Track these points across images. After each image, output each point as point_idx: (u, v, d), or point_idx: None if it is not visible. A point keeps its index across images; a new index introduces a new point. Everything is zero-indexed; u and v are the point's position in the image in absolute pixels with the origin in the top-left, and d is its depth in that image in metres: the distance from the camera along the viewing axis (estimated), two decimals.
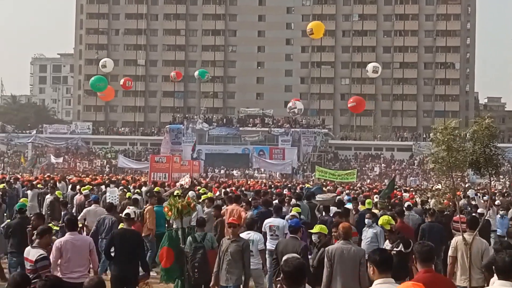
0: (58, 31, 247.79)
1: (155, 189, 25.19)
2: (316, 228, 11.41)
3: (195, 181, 35.34)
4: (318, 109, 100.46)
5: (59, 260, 10.21)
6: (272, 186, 35.52)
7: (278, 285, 9.82)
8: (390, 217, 12.53)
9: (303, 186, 34.65)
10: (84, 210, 16.92)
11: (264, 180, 50.97)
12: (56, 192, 21.51)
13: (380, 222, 12.57)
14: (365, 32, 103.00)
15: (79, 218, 16.45)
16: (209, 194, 20.60)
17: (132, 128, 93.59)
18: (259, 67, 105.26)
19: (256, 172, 73.90)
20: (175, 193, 18.70)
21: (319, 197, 20.85)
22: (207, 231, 12.76)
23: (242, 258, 10.84)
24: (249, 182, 40.06)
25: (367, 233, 13.55)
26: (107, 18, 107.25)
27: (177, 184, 29.80)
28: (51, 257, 10.06)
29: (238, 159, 79.43)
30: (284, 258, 7.31)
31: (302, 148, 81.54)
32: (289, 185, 36.76)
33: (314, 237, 11.36)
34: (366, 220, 14.00)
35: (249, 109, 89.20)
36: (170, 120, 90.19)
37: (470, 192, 32.17)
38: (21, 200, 17.82)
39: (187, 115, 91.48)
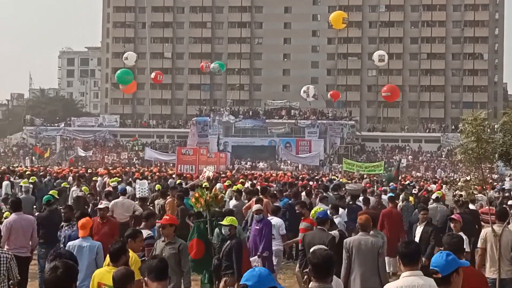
0: (85, 24, 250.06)
1: (177, 182, 25.34)
2: (227, 220, 11.18)
3: (221, 173, 35.46)
4: (344, 100, 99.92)
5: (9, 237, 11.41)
6: (299, 178, 35.45)
7: (306, 277, 9.79)
8: (320, 209, 12.32)
9: (332, 178, 34.54)
10: (112, 202, 16.98)
11: (289, 173, 50.79)
12: (83, 188, 21.69)
13: (311, 215, 12.42)
14: (392, 23, 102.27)
15: None
16: (239, 186, 20.57)
17: (159, 121, 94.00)
18: (285, 59, 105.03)
19: (282, 164, 73.86)
20: (203, 185, 18.74)
21: (349, 186, 21.13)
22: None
23: (179, 263, 9.85)
24: (273, 175, 39.98)
25: None
26: (134, 12, 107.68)
27: (200, 177, 29.90)
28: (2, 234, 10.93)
29: (265, 151, 79.42)
30: (312, 249, 7.29)
31: (328, 140, 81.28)
32: (316, 177, 36.63)
33: (224, 230, 11.18)
34: (328, 212, 13.95)
35: (276, 101, 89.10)
36: (196, 113, 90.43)
37: (508, 184, 31.39)
38: (51, 192, 17.99)
39: (213, 108, 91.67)
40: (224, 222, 11.17)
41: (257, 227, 13.13)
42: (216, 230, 11.98)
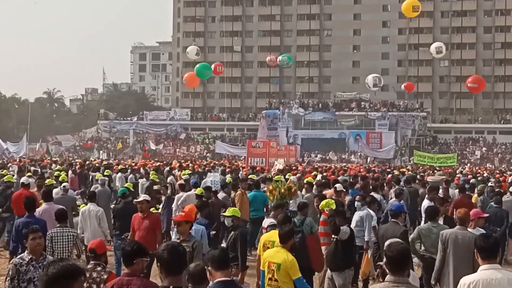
0: (156, 20, 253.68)
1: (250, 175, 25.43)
2: (229, 211, 11.00)
3: (291, 166, 35.47)
4: (416, 92, 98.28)
5: None
6: (370, 170, 35.12)
7: (378, 270, 9.72)
8: (331, 201, 11.83)
9: (403, 171, 34.08)
10: (184, 195, 17.29)
11: (358, 165, 50.40)
12: (152, 177, 22.05)
13: (320, 206, 12.11)
14: (465, 13, 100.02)
15: (179, 202, 16.90)
16: (309, 179, 20.55)
17: (229, 114, 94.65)
18: (355, 51, 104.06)
19: (352, 156, 73.36)
20: (275, 178, 18.78)
21: (430, 178, 21.16)
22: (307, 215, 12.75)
23: (192, 261, 9.04)
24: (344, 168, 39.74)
25: (355, 217, 13.20)
26: (204, 6, 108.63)
27: (272, 170, 29.96)
28: None
29: (335, 143, 78.95)
30: (387, 242, 7.24)
31: (399, 132, 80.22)
32: (388, 170, 36.19)
33: (227, 220, 11.00)
34: (356, 203, 13.68)
35: (345, 93, 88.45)
36: (266, 106, 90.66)
37: None
38: (126, 185, 18.38)
39: (282, 100, 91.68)
40: (226, 213, 11.05)
41: None
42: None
